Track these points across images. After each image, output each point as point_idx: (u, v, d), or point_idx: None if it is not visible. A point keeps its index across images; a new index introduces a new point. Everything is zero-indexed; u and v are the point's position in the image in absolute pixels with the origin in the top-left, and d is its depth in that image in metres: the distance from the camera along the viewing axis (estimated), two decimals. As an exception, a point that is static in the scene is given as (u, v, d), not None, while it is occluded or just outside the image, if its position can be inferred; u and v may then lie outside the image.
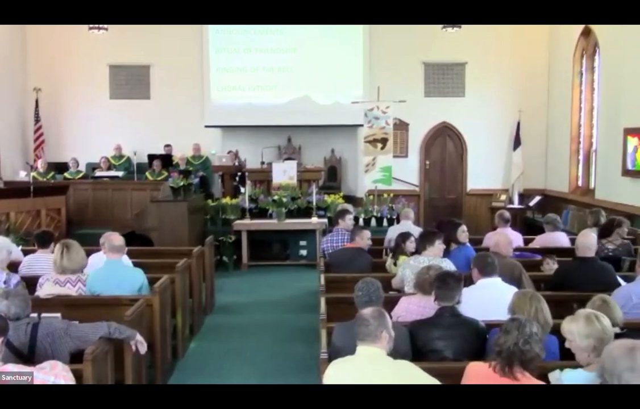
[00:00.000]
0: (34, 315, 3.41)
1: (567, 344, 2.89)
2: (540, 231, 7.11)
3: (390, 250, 5.95)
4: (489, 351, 2.98)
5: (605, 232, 5.84)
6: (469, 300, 3.71)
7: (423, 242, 4.94)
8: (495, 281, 4.02)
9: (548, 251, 5.90)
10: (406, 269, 4.75)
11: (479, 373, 2.77)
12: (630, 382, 2.28)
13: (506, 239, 5.14)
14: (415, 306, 3.90)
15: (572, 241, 6.74)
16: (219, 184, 11.11)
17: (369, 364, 2.78)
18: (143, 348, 3.74)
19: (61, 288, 4.33)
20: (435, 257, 4.73)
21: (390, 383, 2.61)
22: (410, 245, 5.47)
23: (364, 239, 5.72)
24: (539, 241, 6.71)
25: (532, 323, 2.77)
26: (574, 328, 2.81)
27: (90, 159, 11.81)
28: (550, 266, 5.43)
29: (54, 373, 2.73)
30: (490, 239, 5.59)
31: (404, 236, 5.60)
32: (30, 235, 7.45)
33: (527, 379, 2.64)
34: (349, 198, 10.55)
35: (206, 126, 12.14)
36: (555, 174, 11.69)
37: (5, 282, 4.23)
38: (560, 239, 6.64)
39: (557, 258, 5.51)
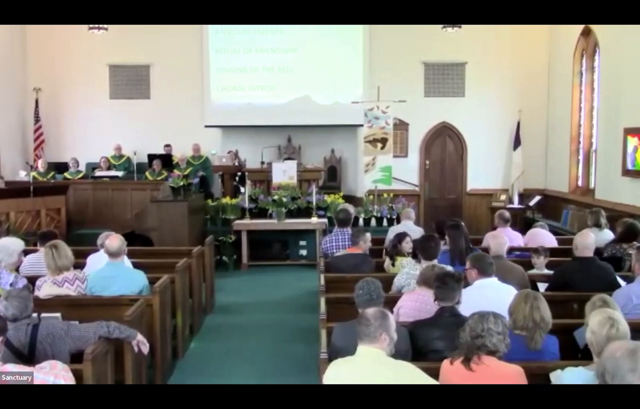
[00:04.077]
0: (34, 315, 3.40)
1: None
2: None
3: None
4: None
5: (628, 237, 5.58)
6: (468, 300, 3.71)
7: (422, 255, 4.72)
8: (493, 281, 4.02)
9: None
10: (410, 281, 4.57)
11: (445, 369, 2.92)
12: (632, 383, 2.28)
13: (497, 243, 5.01)
14: (413, 302, 3.91)
15: (555, 235, 6.99)
16: (219, 184, 11.12)
17: (369, 364, 2.78)
18: (146, 348, 3.73)
19: (59, 288, 4.32)
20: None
21: (390, 383, 2.61)
22: (407, 245, 5.45)
23: (367, 243, 5.65)
24: (527, 238, 6.79)
25: (491, 319, 2.83)
26: (590, 322, 2.83)
27: (90, 159, 11.80)
28: (535, 260, 5.42)
29: (53, 373, 2.73)
30: (487, 241, 5.58)
31: (400, 237, 5.58)
32: (30, 235, 7.44)
33: (483, 367, 2.75)
34: (349, 198, 10.53)
35: (206, 126, 12.13)
36: (555, 174, 11.68)
37: (12, 284, 4.21)
38: (539, 233, 6.74)
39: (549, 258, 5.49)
